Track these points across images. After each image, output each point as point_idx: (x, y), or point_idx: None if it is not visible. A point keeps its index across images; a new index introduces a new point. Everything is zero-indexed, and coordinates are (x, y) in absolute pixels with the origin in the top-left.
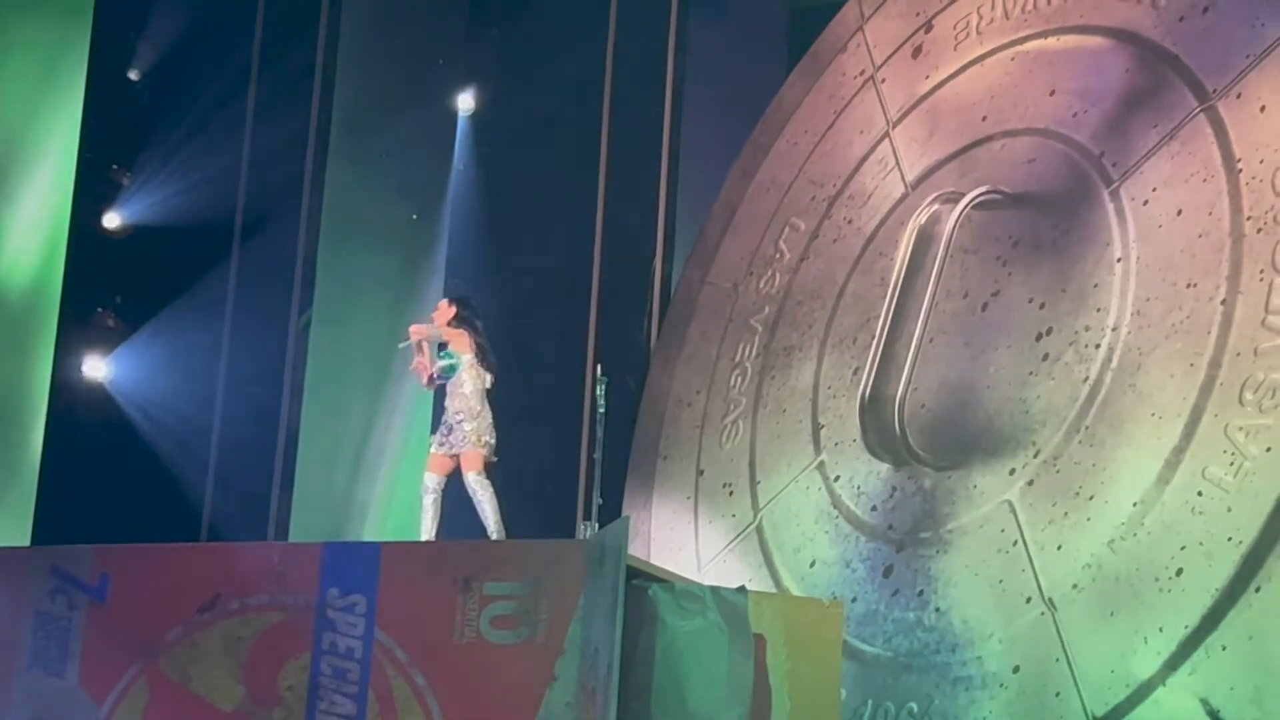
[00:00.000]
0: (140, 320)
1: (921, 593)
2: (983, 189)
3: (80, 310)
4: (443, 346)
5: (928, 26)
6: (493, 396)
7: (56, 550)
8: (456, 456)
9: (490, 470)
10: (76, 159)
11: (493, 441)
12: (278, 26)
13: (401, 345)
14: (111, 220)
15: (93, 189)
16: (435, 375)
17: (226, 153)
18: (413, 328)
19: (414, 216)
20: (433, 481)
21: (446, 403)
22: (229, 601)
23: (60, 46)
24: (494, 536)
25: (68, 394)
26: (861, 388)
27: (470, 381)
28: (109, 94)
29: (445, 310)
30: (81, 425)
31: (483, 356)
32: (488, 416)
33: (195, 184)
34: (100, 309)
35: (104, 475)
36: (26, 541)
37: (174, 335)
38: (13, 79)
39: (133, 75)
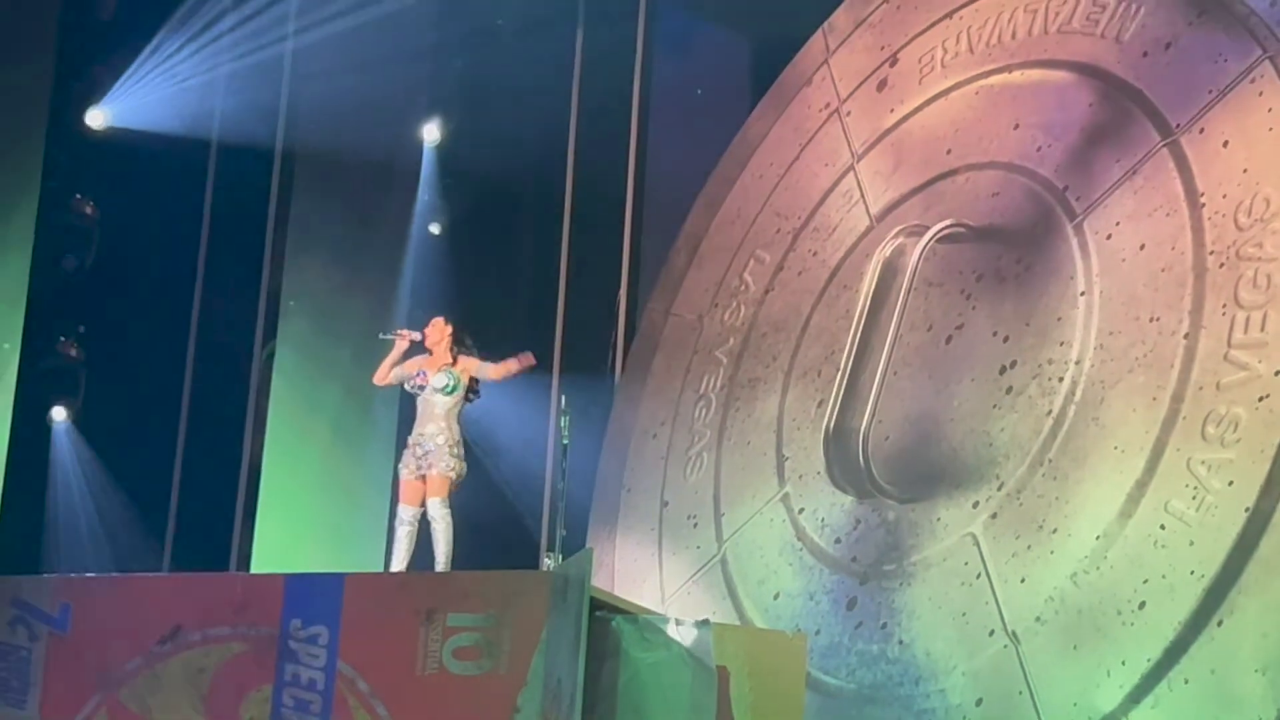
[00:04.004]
0: (104, 349)
1: (885, 625)
2: (947, 222)
3: (41, 341)
4: (419, 352)
5: (893, 60)
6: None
7: (18, 581)
8: (428, 480)
9: (450, 497)
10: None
11: (464, 471)
12: (243, 47)
13: (384, 336)
14: (69, 263)
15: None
16: (434, 388)
17: (192, 185)
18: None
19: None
20: (408, 514)
21: (421, 424)
22: (190, 632)
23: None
24: (440, 567)
25: (29, 422)
26: (826, 420)
27: (457, 407)
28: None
29: (441, 327)
30: (43, 455)
31: (474, 386)
32: (461, 443)
33: (160, 214)
34: (63, 338)
35: (66, 505)
36: None
37: (138, 365)
38: None
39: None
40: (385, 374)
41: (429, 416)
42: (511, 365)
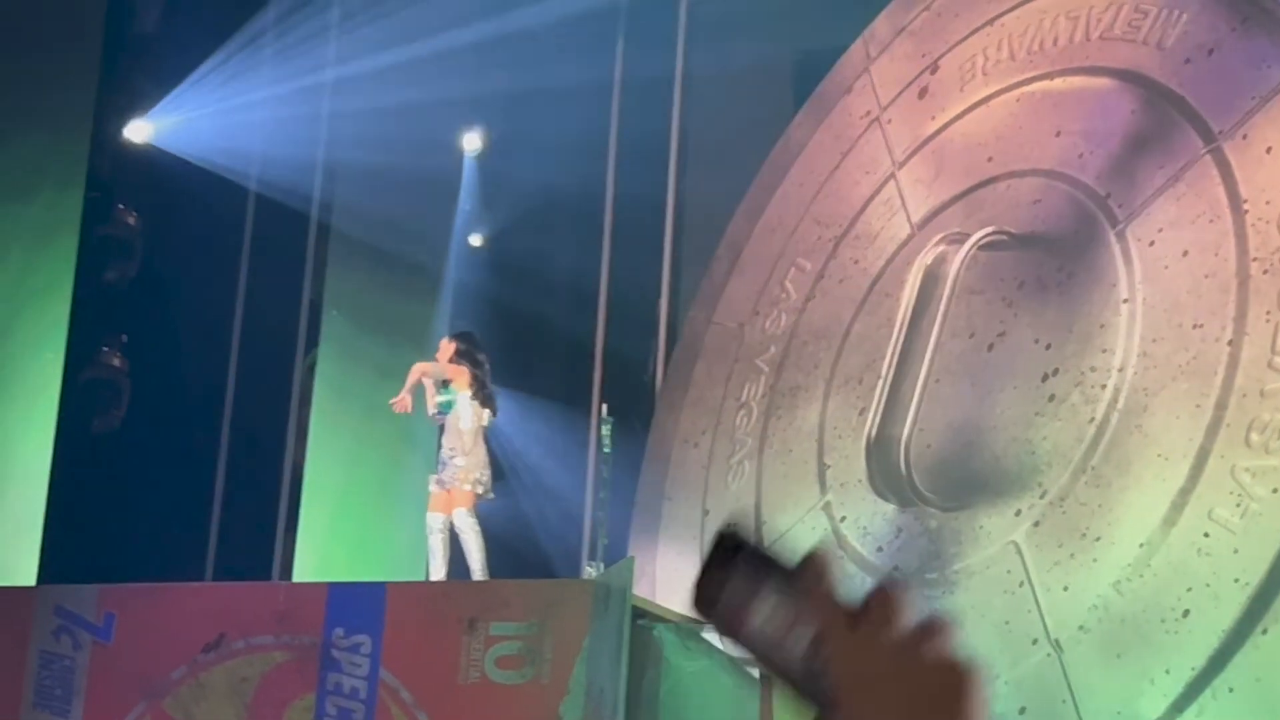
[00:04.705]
0: (147, 359)
1: None
2: (988, 230)
3: (85, 351)
4: (446, 384)
5: (934, 68)
6: (491, 435)
7: (61, 590)
8: (450, 492)
9: (476, 508)
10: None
11: (485, 480)
12: (285, 60)
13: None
14: (112, 274)
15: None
16: (437, 411)
17: (234, 195)
18: (416, 366)
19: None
20: (437, 522)
21: (442, 438)
22: (234, 641)
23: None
24: (477, 577)
25: (74, 433)
26: (867, 428)
27: (465, 418)
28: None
29: (446, 348)
30: (88, 464)
31: (479, 391)
32: (481, 454)
33: (202, 224)
34: (106, 348)
35: (110, 515)
36: (32, 581)
37: (180, 375)
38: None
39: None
40: (404, 402)
41: (448, 432)
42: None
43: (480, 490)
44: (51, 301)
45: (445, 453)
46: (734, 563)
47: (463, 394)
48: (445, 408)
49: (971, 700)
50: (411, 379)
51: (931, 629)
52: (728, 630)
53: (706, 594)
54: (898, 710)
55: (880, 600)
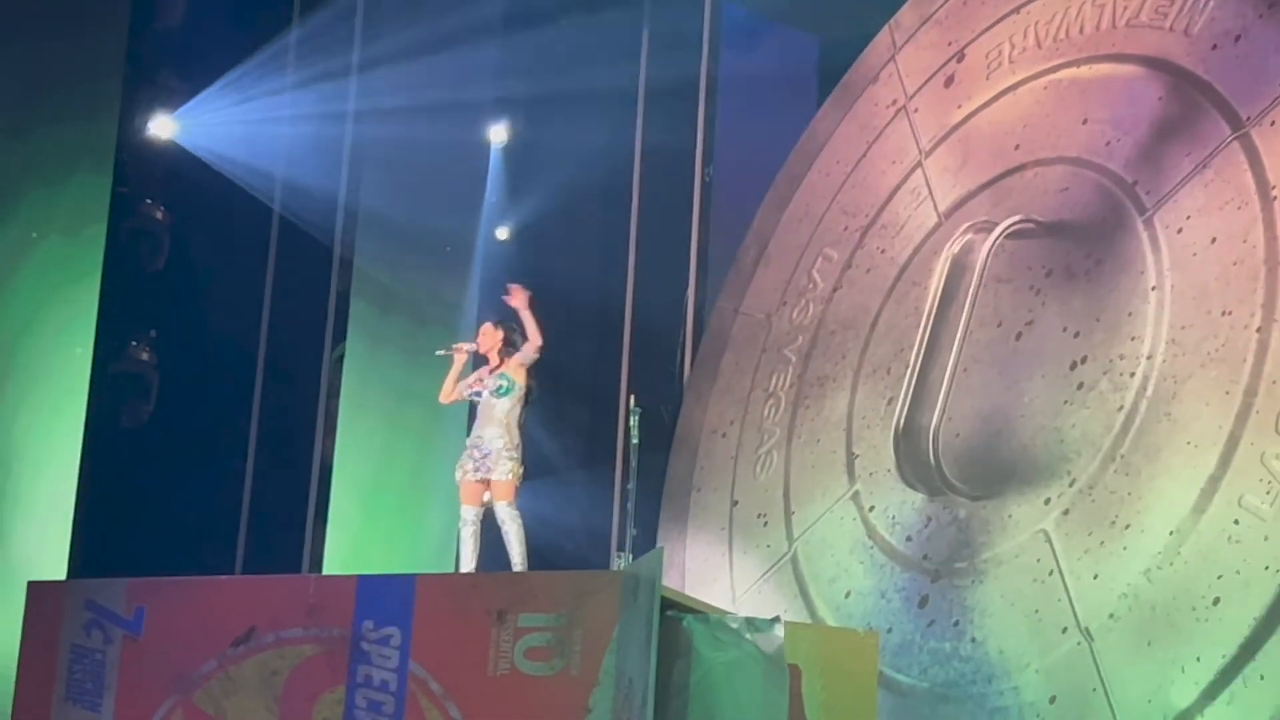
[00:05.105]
0: (175, 353)
1: (957, 623)
2: (1016, 218)
3: (113, 345)
4: (482, 364)
5: (960, 56)
6: (525, 428)
7: (92, 584)
8: (488, 482)
9: (517, 499)
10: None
11: (521, 473)
12: (310, 53)
13: (440, 352)
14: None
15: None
16: (489, 392)
17: (260, 185)
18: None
19: (447, 249)
20: (470, 514)
21: (480, 427)
22: (264, 634)
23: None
24: (517, 569)
25: (104, 427)
26: (896, 418)
27: (516, 409)
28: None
29: (491, 333)
30: (117, 458)
31: (531, 389)
32: (520, 446)
33: (229, 217)
34: (134, 342)
35: (139, 508)
36: (62, 575)
37: (209, 368)
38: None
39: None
40: (450, 391)
41: (488, 419)
42: (525, 317)
43: (513, 479)
44: (80, 294)
45: (488, 441)
46: None
47: (519, 385)
48: (503, 393)
49: None
50: (472, 382)
51: None
52: None
53: None
54: None
55: None
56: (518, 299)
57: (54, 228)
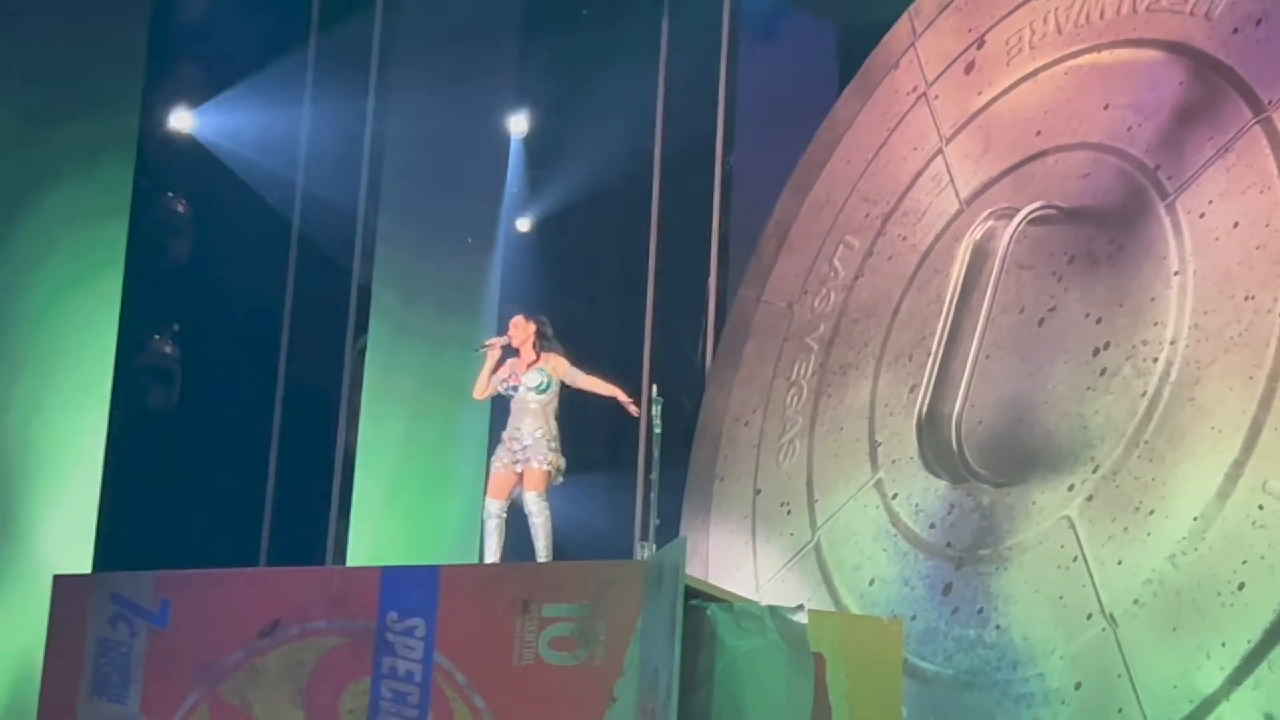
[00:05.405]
0: (198, 346)
1: (981, 610)
2: (1037, 204)
3: (137, 339)
4: (510, 354)
5: (980, 42)
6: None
7: (117, 577)
8: (520, 474)
9: (548, 491)
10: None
11: (562, 465)
12: (330, 47)
13: (477, 350)
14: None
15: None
16: (525, 384)
17: (282, 179)
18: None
19: (469, 240)
20: (495, 507)
21: (517, 420)
22: (289, 626)
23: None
24: (542, 560)
25: (127, 420)
26: (918, 405)
27: (553, 402)
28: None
29: (524, 326)
30: (141, 451)
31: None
32: (559, 439)
33: (251, 210)
34: (157, 336)
35: (163, 501)
36: (88, 568)
37: (232, 362)
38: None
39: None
40: (485, 387)
41: (524, 413)
42: (602, 388)
43: (550, 470)
44: (103, 287)
45: (528, 434)
46: None
47: (557, 380)
48: (542, 389)
49: None
50: (504, 375)
51: None
52: None
53: None
54: None
55: None
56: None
57: (76, 221)
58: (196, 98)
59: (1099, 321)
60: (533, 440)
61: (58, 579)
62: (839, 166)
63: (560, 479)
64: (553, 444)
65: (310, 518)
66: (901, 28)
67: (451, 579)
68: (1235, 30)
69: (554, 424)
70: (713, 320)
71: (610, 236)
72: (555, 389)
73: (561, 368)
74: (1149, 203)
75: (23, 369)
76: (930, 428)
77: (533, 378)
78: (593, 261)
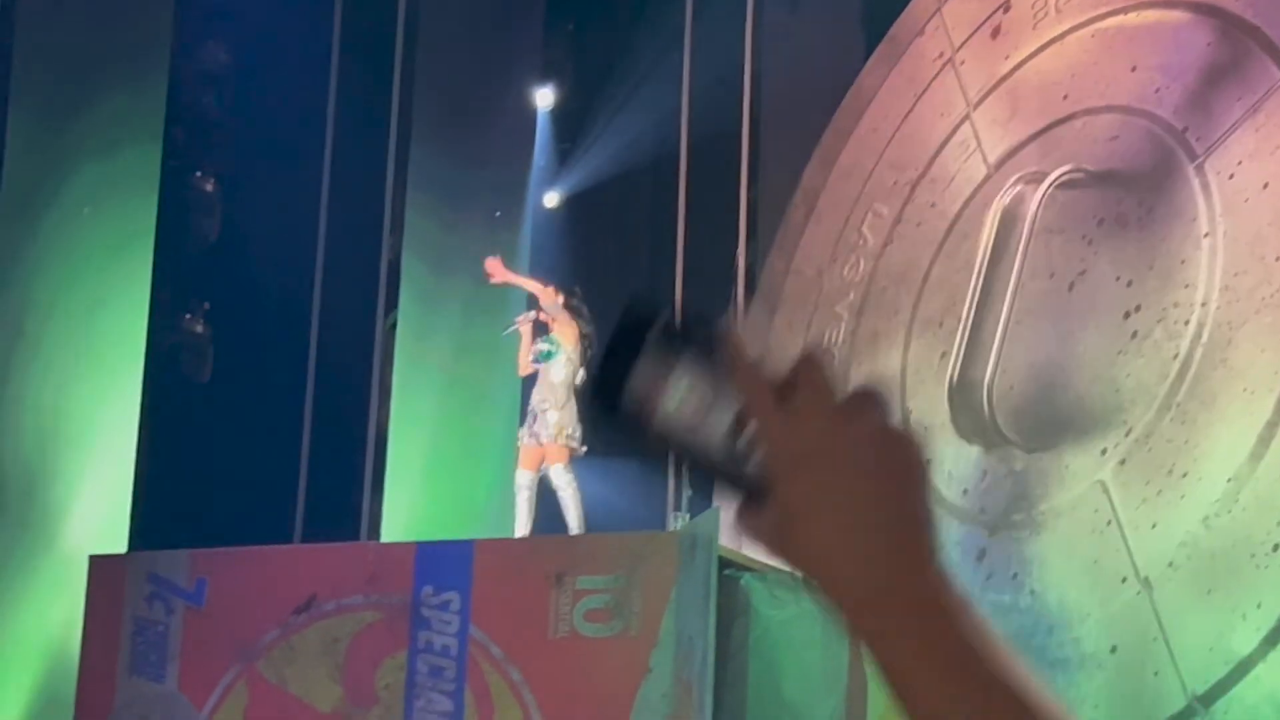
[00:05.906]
0: (229, 324)
1: (1016, 575)
2: (1066, 168)
3: (168, 318)
4: (542, 331)
5: (1006, 6)
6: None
7: (153, 556)
8: (543, 446)
9: (573, 462)
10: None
11: (577, 434)
12: (357, 24)
13: (506, 331)
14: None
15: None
16: (533, 359)
17: (310, 156)
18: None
19: (497, 214)
20: (525, 479)
21: (535, 392)
22: (325, 602)
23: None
24: (574, 531)
25: (160, 399)
26: (949, 371)
27: (562, 371)
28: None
29: (551, 295)
30: (174, 430)
31: (584, 350)
32: (573, 409)
33: (280, 187)
34: (188, 315)
35: (197, 480)
36: (123, 548)
37: (263, 339)
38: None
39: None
40: (526, 363)
41: (540, 384)
42: (518, 283)
43: (574, 445)
44: (133, 267)
45: (536, 404)
46: (642, 342)
47: (566, 347)
48: (545, 357)
49: (916, 472)
50: (517, 280)
51: (866, 398)
52: (637, 421)
53: (609, 381)
54: (837, 487)
55: (808, 371)
56: (496, 274)
57: (105, 201)
58: (223, 76)
59: (1129, 285)
60: (540, 413)
61: (94, 560)
62: (866, 134)
63: (577, 445)
64: (559, 414)
65: (344, 493)
66: None
67: (486, 553)
68: None
69: (563, 394)
70: (742, 289)
71: (638, 208)
72: (563, 357)
73: (568, 333)
74: (1178, 164)
75: (54, 350)
76: (962, 394)
77: (539, 347)
78: (621, 232)
